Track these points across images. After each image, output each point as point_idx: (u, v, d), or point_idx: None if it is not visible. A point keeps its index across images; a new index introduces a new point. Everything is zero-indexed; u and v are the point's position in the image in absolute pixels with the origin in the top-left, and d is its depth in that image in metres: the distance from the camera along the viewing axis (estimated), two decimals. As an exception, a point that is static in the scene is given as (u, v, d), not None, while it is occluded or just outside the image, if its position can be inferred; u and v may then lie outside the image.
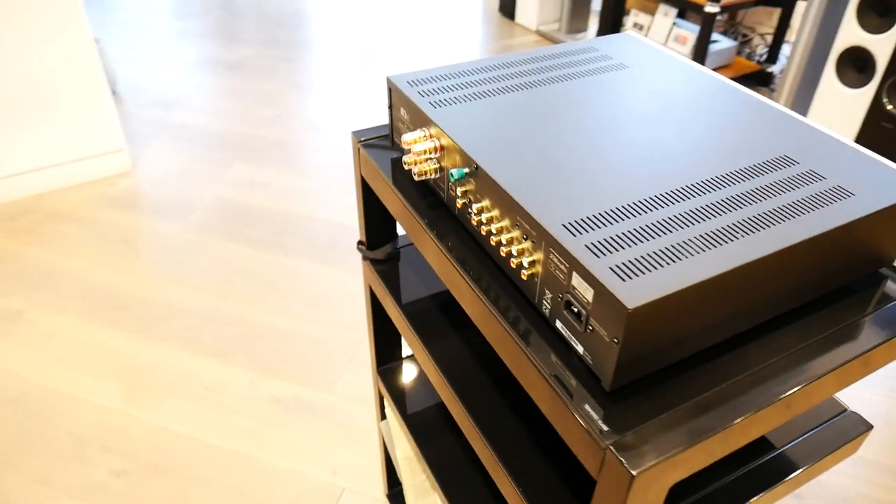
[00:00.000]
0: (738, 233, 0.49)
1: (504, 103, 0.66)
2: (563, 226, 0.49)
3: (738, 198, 0.53)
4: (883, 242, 0.58)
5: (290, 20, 3.53)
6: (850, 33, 2.01)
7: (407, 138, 0.64)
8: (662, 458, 0.44)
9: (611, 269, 0.45)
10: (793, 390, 0.49)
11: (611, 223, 0.50)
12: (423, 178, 0.65)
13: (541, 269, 0.51)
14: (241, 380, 1.60)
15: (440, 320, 0.82)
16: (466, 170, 0.59)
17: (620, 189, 0.54)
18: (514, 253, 0.54)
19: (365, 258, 0.91)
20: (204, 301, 1.81)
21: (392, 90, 0.70)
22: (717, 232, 0.49)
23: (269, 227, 2.08)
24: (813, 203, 0.53)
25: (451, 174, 0.59)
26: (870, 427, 0.70)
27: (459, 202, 0.61)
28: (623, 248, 0.47)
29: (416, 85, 0.69)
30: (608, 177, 0.55)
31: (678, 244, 0.48)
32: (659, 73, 0.73)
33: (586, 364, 0.49)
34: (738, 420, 0.47)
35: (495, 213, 0.56)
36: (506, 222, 0.55)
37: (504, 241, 0.55)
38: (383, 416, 1.13)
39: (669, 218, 0.51)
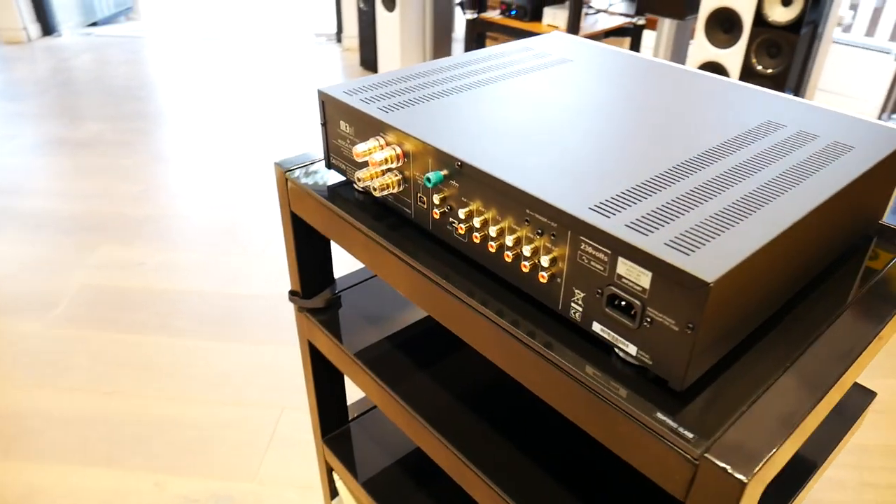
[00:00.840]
0: (772, 194, 0.45)
1: (460, 101, 0.59)
2: (591, 209, 0.42)
3: (752, 161, 0.49)
4: (875, 200, 0.56)
5: (139, 92, 3.31)
6: (702, 50, 2.16)
7: (360, 149, 0.55)
8: (769, 455, 0.37)
9: (666, 245, 0.39)
10: (857, 356, 0.45)
11: (641, 199, 0.43)
12: (385, 192, 0.56)
13: (566, 265, 0.44)
14: (144, 485, 1.37)
15: (403, 362, 0.71)
16: (445, 172, 0.50)
17: (631, 167, 0.48)
18: (526, 254, 0.46)
19: (301, 309, 0.79)
20: (85, 403, 1.56)
21: (326, 103, 0.61)
22: (751, 195, 0.44)
23: (151, 309, 1.86)
24: (824, 158, 0.50)
25: (428, 179, 0.50)
26: (873, 395, 0.68)
27: (437, 212, 0.53)
28: (667, 222, 0.41)
29: (355, 94, 0.60)
30: (612, 157, 0.49)
31: (720, 211, 0.42)
32: (603, 62, 0.69)
33: (643, 365, 0.42)
34: (823, 397, 0.41)
35: (491, 213, 0.48)
36: (508, 221, 0.47)
37: (509, 244, 0.47)
38: (334, 494, 0.99)
39: (697, 187, 0.45)
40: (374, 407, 0.96)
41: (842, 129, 0.55)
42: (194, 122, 2.97)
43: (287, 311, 1.85)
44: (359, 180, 0.56)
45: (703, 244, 0.39)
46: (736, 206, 0.43)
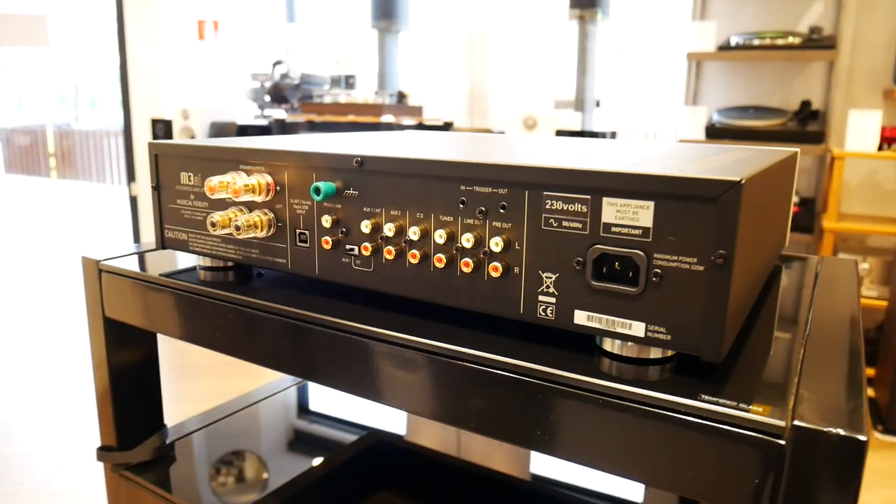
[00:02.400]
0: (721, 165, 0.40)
1: (328, 140, 0.49)
2: (552, 162, 0.33)
3: (677, 153, 0.44)
4: (781, 220, 0.54)
5: None
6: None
7: (215, 181, 0.42)
8: (863, 410, 0.27)
9: (662, 169, 0.30)
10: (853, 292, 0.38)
11: (597, 158, 0.36)
12: (251, 235, 0.43)
13: (525, 244, 0.33)
14: None
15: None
16: (338, 183, 0.39)
17: (562, 155, 0.41)
18: (466, 245, 0.35)
19: (115, 468, 0.57)
20: None
21: (160, 157, 0.48)
22: (704, 157, 0.39)
23: None
24: (737, 154, 0.47)
25: (316, 189, 0.39)
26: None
27: (328, 241, 0.40)
28: (640, 165, 0.33)
29: (196, 143, 0.48)
30: (533, 151, 0.42)
31: (687, 162, 0.36)
32: (445, 135, 0.65)
33: (655, 346, 0.31)
34: (860, 357, 0.33)
35: (408, 215, 0.37)
36: (434, 215, 0.36)
37: (439, 241, 0.36)
38: None
39: (646, 158, 0.39)
40: None
41: (717, 152, 0.54)
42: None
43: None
44: (212, 226, 0.43)
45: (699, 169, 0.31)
46: (700, 161, 0.37)
